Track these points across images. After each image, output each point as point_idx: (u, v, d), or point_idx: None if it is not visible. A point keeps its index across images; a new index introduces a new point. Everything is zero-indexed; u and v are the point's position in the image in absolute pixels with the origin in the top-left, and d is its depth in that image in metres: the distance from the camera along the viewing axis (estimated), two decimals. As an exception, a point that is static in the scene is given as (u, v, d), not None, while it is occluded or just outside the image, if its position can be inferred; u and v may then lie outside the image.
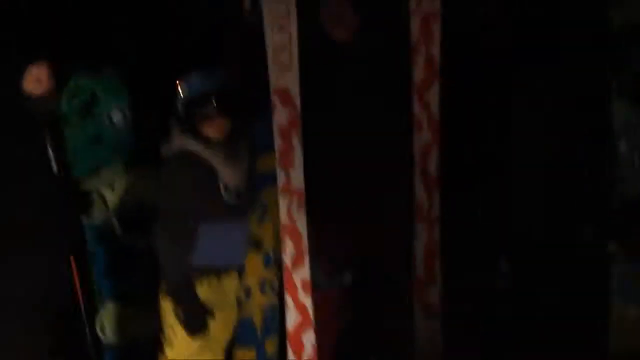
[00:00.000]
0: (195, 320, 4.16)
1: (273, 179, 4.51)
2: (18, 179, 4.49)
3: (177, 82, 4.25)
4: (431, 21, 4.33)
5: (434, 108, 4.39)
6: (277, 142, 4.31)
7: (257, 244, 4.76)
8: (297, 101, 4.29)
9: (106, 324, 5.08)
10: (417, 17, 4.32)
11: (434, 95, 4.38)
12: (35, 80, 4.52)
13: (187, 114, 4.18)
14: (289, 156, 4.34)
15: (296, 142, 4.32)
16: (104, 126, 5.09)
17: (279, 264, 4.63)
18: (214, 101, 4.15)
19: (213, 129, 4.18)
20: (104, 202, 5.02)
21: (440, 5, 4.31)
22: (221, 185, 4.20)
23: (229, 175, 4.21)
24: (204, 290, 4.19)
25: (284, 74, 4.28)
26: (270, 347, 4.93)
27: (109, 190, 5.02)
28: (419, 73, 4.37)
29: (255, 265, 4.75)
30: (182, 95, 4.19)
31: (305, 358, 4.48)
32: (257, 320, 4.87)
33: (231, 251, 4.32)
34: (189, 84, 4.19)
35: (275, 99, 4.29)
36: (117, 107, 5.09)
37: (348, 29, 4.46)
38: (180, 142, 4.17)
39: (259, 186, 4.60)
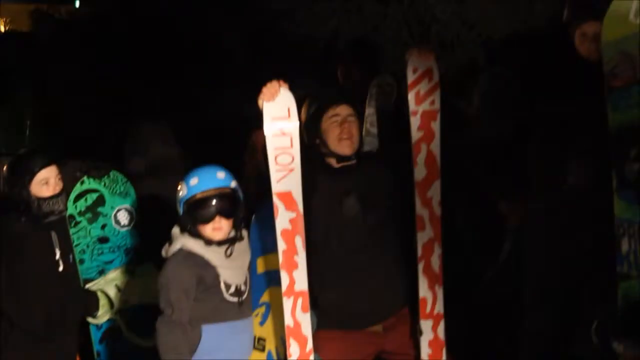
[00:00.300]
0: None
1: (274, 278, 4.48)
2: (27, 278, 4.57)
3: (179, 182, 4.24)
4: (430, 119, 4.30)
5: (436, 205, 4.34)
6: (281, 245, 4.23)
7: (260, 344, 4.70)
8: (300, 204, 4.23)
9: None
10: (416, 116, 4.30)
11: (435, 192, 4.33)
12: (44, 182, 4.64)
13: (187, 214, 4.14)
14: (293, 259, 4.25)
15: (299, 245, 4.24)
16: (109, 227, 5.14)
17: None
18: (213, 203, 4.11)
19: (213, 231, 4.14)
20: (110, 302, 4.96)
21: (439, 104, 4.29)
22: (222, 285, 4.15)
23: (229, 275, 4.17)
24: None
25: (286, 177, 4.22)
26: None
27: (115, 290, 4.98)
28: (420, 171, 4.32)
29: None
30: (182, 195, 4.16)
31: None
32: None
33: (234, 351, 4.22)
34: (189, 184, 4.15)
35: (277, 202, 4.22)
36: (123, 208, 5.15)
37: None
38: (181, 241, 4.15)
39: (260, 285, 4.64)
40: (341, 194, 4.34)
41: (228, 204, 4.13)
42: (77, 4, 12.09)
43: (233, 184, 4.17)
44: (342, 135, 4.30)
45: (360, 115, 4.40)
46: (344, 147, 4.31)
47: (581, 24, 3.95)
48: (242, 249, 4.23)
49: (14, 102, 10.73)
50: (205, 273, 4.10)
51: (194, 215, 4.11)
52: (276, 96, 4.13)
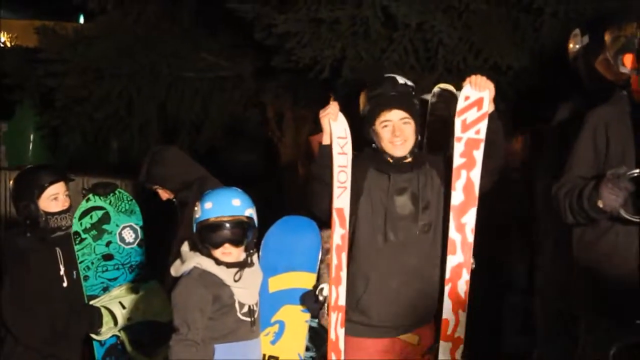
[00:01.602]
0: None
1: (289, 297, 4.68)
2: (31, 294, 4.61)
3: (196, 202, 4.30)
4: (474, 147, 4.35)
5: (469, 232, 4.37)
6: (334, 260, 4.35)
7: None
8: (347, 222, 4.39)
9: None
10: (460, 143, 4.35)
11: (470, 219, 4.37)
12: (54, 198, 4.65)
13: (199, 235, 4.21)
14: (339, 274, 4.38)
15: (344, 261, 4.39)
16: (114, 244, 5.22)
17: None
18: (224, 230, 4.19)
19: (222, 254, 4.23)
20: (114, 318, 5.00)
21: (484, 134, 4.34)
22: (236, 304, 4.22)
23: (243, 294, 4.25)
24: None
25: (342, 194, 4.38)
26: None
27: (119, 307, 5.00)
28: (457, 196, 4.37)
29: None
30: (196, 216, 4.20)
31: None
32: None
33: None
34: (203, 207, 4.20)
35: (335, 218, 4.35)
36: (128, 226, 5.21)
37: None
38: (195, 260, 4.21)
39: (273, 304, 4.70)
40: (394, 191, 4.40)
41: (238, 233, 4.20)
42: (82, 20, 12.14)
43: (247, 212, 4.23)
44: (393, 140, 4.37)
45: (415, 116, 4.42)
46: (397, 150, 4.40)
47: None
48: (253, 271, 4.30)
49: (19, 116, 10.75)
50: (221, 292, 4.17)
51: (205, 238, 4.18)
52: (338, 117, 4.30)
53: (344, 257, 4.38)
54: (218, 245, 4.20)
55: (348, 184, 4.38)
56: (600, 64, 4.09)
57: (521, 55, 5.97)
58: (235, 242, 4.22)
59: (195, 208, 4.26)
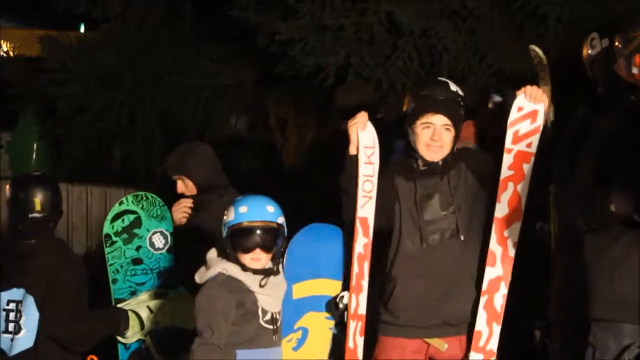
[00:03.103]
0: None
1: (313, 304, 4.62)
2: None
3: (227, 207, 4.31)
4: (524, 160, 4.27)
5: (511, 246, 4.30)
6: (355, 269, 4.37)
7: None
8: (372, 231, 4.38)
9: None
10: (510, 154, 4.27)
11: (513, 233, 4.30)
12: None
13: (229, 239, 4.20)
14: (360, 283, 4.38)
15: (366, 270, 4.39)
16: (144, 249, 5.19)
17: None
18: (256, 235, 4.17)
19: (251, 260, 4.20)
20: (140, 322, 5.00)
21: (536, 147, 4.25)
22: (260, 311, 4.20)
23: (267, 302, 4.23)
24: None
25: (367, 204, 4.37)
26: None
27: (146, 311, 5.02)
28: (502, 209, 4.29)
29: None
30: (228, 219, 4.21)
31: None
32: None
33: None
34: (237, 211, 4.20)
35: (358, 227, 4.36)
36: (158, 231, 5.20)
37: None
38: (221, 265, 4.20)
39: (297, 311, 4.63)
40: (421, 197, 4.38)
41: (270, 239, 4.19)
42: (82, 29, 12.16)
43: (280, 219, 4.22)
44: (431, 144, 4.32)
45: (458, 125, 4.37)
46: (432, 155, 4.35)
47: None
48: (279, 280, 4.29)
49: (22, 126, 10.76)
50: (245, 298, 4.15)
51: (236, 242, 4.17)
52: (366, 126, 4.32)
53: (366, 266, 4.37)
54: (249, 250, 4.17)
55: (373, 194, 4.37)
56: (619, 68, 4.07)
57: (525, 61, 5.95)
58: (266, 248, 4.20)
59: (227, 212, 4.23)
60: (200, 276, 4.26)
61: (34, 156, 10.88)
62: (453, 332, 4.43)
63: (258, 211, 4.20)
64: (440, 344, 4.40)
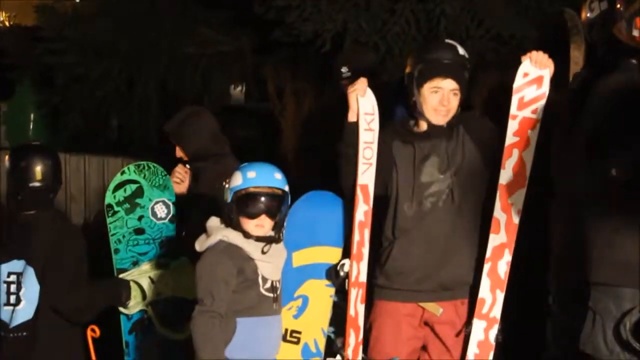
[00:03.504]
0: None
1: (313, 271, 4.66)
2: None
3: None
4: (529, 126, 4.26)
5: (515, 212, 4.31)
6: (356, 236, 4.39)
7: (294, 337, 4.69)
8: (372, 198, 4.40)
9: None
10: (515, 121, 4.27)
11: (518, 200, 4.31)
12: None
13: (234, 204, 4.20)
14: (361, 250, 4.40)
15: (367, 237, 4.40)
16: (146, 218, 5.21)
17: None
18: (263, 201, 4.18)
19: (255, 227, 4.20)
20: (142, 293, 5.02)
21: (541, 113, 4.24)
22: (260, 279, 4.21)
23: (268, 269, 4.24)
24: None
25: (367, 170, 4.39)
26: None
27: (148, 282, 5.04)
28: (506, 175, 4.30)
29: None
30: (235, 184, 4.21)
31: None
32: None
33: (266, 346, 4.29)
34: (245, 176, 4.20)
35: (358, 194, 4.37)
36: (161, 201, 5.20)
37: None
38: (222, 233, 4.19)
39: (297, 278, 4.65)
40: (420, 160, 4.39)
41: (276, 205, 4.22)
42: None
43: (286, 187, 4.25)
44: (439, 108, 4.33)
45: (465, 89, 4.38)
46: (439, 119, 4.36)
47: None
48: (279, 248, 4.30)
49: (19, 96, 10.72)
50: (246, 265, 4.16)
51: (241, 207, 4.18)
52: (366, 93, 4.31)
53: (367, 233, 4.38)
54: (254, 216, 4.19)
55: (374, 160, 4.38)
56: (619, 30, 4.04)
57: (523, 25, 5.94)
58: (272, 215, 4.21)
59: (233, 177, 4.23)
60: (200, 244, 4.26)
61: (31, 126, 10.85)
62: (448, 296, 4.45)
63: (267, 177, 4.21)
64: (434, 309, 4.43)
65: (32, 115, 10.80)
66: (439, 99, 4.33)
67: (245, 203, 4.18)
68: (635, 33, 3.89)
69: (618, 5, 3.94)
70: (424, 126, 4.42)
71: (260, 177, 4.20)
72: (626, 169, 3.59)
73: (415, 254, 4.40)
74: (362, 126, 4.35)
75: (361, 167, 4.36)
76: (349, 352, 4.41)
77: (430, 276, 4.41)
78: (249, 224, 4.19)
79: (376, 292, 4.51)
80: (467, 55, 4.41)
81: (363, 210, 4.38)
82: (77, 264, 4.73)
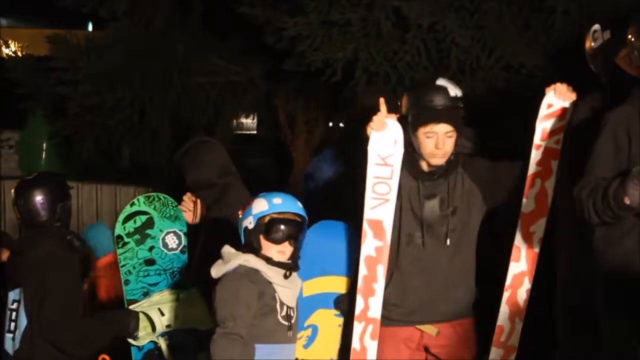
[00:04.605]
0: None
1: (323, 301, 4.66)
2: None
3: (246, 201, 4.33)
4: (552, 157, 4.29)
5: (536, 241, 4.34)
6: (362, 270, 4.35)
7: None
8: (389, 234, 4.35)
9: None
10: (538, 151, 4.29)
11: (539, 229, 4.33)
12: None
13: (258, 229, 4.20)
14: (371, 285, 4.36)
15: (380, 274, 4.35)
16: (157, 249, 5.18)
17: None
18: (289, 227, 4.19)
19: (277, 253, 4.21)
20: (152, 324, 4.97)
21: (561, 143, 4.27)
22: (278, 305, 4.20)
23: (287, 295, 4.23)
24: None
25: (381, 206, 4.34)
26: None
27: (158, 313, 4.99)
28: (528, 204, 4.32)
29: None
30: (259, 210, 4.20)
31: None
32: None
33: None
34: (271, 202, 4.21)
35: (366, 229, 4.34)
36: (172, 232, 5.19)
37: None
38: (242, 258, 4.18)
39: (307, 308, 4.63)
40: (424, 196, 4.40)
41: (299, 232, 4.22)
42: (90, 28, 12.17)
43: (304, 214, 4.25)
44: (435, 152, 4.33)
45: (460, 128, 4.38)
46: (436, 160, 4.36)
47: None
48: (295, 276, 4.28)
49: (32, 125, 10.79)
50: (266, 290, 4.15)
51: (268, 232, 4.18)
52: (385, 128, 4.26)
53: (381, 269, 4.35)
54: (280, 241, 4.19)
55: (391, 197, 4.33)
56: (622, 60, 4.06)
57: (534, 54, 5.96)
58: (295, 240, 4.22)
59: (256, 203, 4.22)
60: (217, 270, 4.22)
61: (43, 155, 10.91)
62: (445, 320, 4.47)
63: (291, 204, 4.23)
64: (431, 330, 4.44)
65: (44, 145, 10.86)
66: (434, 143, 4.33)
67: (271, 228, 4.18)
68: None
69: (630, 36, 3.95)
70: (425, 166, 4.43)
71: (285, 204, 4.21)
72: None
73: (413, 288, 4.42)
74: (373, 160, 4.32)
75: (370, 202, 4.32)
76: (354, 385, 4.39)
77: (426, 311, 4.43)
78: (272, 250, 4.19)
79: None
80: (459, 94, 4.40)
81: (374, 246, 4.34)
82: (68, 295, 4.68)
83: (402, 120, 4.41)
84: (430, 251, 4.39)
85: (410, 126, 4.37)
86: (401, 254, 4.42)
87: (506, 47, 5.99)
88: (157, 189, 5.37)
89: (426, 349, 4.51)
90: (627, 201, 3.58)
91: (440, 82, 4.43)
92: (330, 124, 8.42)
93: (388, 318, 4.44)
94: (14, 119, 10.94)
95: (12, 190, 5.00)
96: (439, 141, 4.32)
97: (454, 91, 4.38)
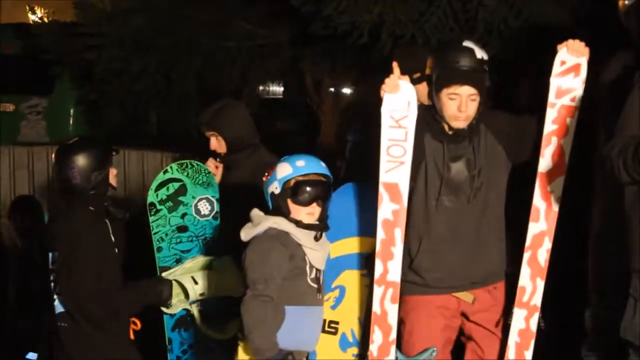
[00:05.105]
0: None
1: (350, 262, 4.66)
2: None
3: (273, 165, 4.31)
4: (568, 114, 4.25)
5: (555, 200, 4.31)
6: (380, 234, 4.32)
7: (332, 327, 4.69)
8: (405, 197, 4.30)
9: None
10: (554, 109, 4.25)
11: (557, 188, 4.30)
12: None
13: (285, 193, 4.20)
14: (389, 249, 4.33)
15: (398, 237, 4.32)
16: (189, 216, 5.17)
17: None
18: (315, 187, 4.19)
19: (306, 215, 4.21)
20: (185, 292, 4.97)
21: (579, 100, 4.23)
22: (307, 267, 4.21)
23: (317, 258, 4.24)
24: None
25: (396, 169, 4.29)
26: None
27: (191, 281, 4.98)
28: (545, 164, 4.29)
29: (331, 350, 4.67)
30: (284, 174, 4.20)
31: None
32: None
33: (310, 335, 4.32)
34: (295, 165, 4.20)
35: (382, 192, 4.29)
36: (204, 198, 5.18)
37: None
38: (272, 220, 4.18)
39: (334, 270, 4.63)
40: (450, 158, 4.38)
41: (326, 192, 4.23)
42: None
43: (329, 174, 4.24)
44: (458, 115, 4.29)
45: (483, 92, 4.33)
46: (458, 123, 4.33)
47: None
48: (324, 238, 4.29)
49: (59, 92, 10.82)
50: (296, 252, 4.16)
51: (293, 195, 4.18)
52: (398, 90, 4.20)
53: (398, 232, 4.31)
54: (308, 203, 4.19)
55: (406, 159, 4.27)
56: None
57: (562, 14, 5.89)
58: (323, 200, 4.23)
59: (280, 168, 4.22)
60: (246, 233, 4.21)
61: (71, 121, 10.95)
62: (479, 286, 4.47)
63: (315, 165, 4.22)
64: (467, 297, 4.43)
65: (71, 111, 10.90)
66: (457, 105, 4.29)
67: (297, 191, 4.18)
68: None
69: None
70: (448, 128, 4.39)
71: (309, 165, 4.20)
72: None
73: (445, 251, 4.40)
74: (386, 123, 4.26)
75: (386, 165, 4.27)
76: (374, 349, 4.37)
77: (460, 273, 4.42)
78: (301, 212, 4.19)
79: (406, 288, 4.47)
80: (485, 57, 4.36)
81: (391, 209, 4.29)
82: (97, 268, 4.55)
83: (427, 80, 4.39)
84: (459, 213, 4.38)
85: (434, 87, 4.35)
86: (430, 219, 4.40)
87: (534, 7, 5.93)
88: (185, 155, 5.36)
89: (465, 316, 4.52)
90: None
91: (467, 43, 4.38)
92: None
93: (423, 285, 4.44)
94: (42, 85, 10.97)
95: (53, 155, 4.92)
96: (462, 103, 4.28)
97: (480, 54, 4.34)
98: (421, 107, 4.38)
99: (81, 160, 4.66)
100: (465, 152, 4.39)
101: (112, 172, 4.80)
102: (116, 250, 4.72)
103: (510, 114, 4.52)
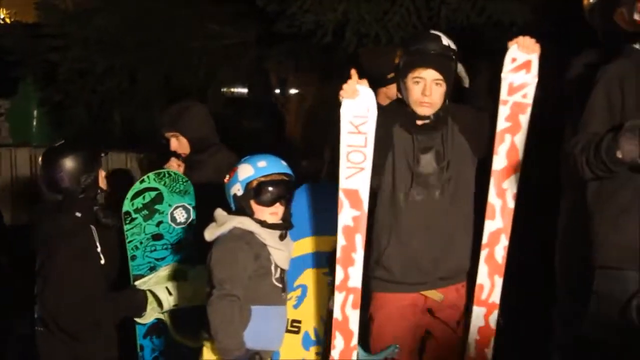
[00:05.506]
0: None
1: (311, 261, 4.76)
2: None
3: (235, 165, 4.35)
4: (520, 111, 4.28)
5: (510, 197, 4.34)
6: (341, 240, 4.30)
7: (294, 326, 4.75)
8: (365, 204, 4.29)
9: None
10: (506, 106, 4.28)
11: (512, 185, 4.33)
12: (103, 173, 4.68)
13: (248, 194, 4.23)
14: (350, 255, 4.31)
15: (359, 243, 4.30)
16: (165, 224, 5.17)
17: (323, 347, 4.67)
18: (277, 188, 4.24)
19: (270, 215, 4.26)
20: (159, 302, 4.96)
21: (532, 98, 4.27)
22: (272, 267, 4.25)
23: (281, 258, 4.29)
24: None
25: (356, 175, 4.28)
26: None
27: (165, 292, 4.98)
28: (499, 161, 4.32)
29: (294, 349, 4.73)
30: (246, 175, 4.23)
31: None
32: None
33: (275, 335, 4.38)
34: (256, 166, 4.22)
35: (342, 198, 4.28)
36: (181, 206, 5.18)
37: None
38: (237, 220, 4.21)
39: (296, 268, 4.69)
40: (419, 150, 4.39)
41: (289, 191, 4.29)
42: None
43: (291, 172, 4.29)
44: (422, 100, 4.31)
45: (449, 79, 4.36)
46: (423, 110, 4.35)
47: None
48: (289, 238, 4.35)
49: (22, 93, 10.73)
50: (261, 252, 4.19)
51: (257, 196, 4.22)
52: (356, 95, 4.16)
53: (359, 238, 4.28)
54: (272, 202, 4.24)
55: (366, 165, 4.25)
56: (620, 16, 4.05)
57: (525, 12, 5.92)
58: (286, 200, 4.28)
59: (241, 169, 4.26)
60: (210, 232, 4.26)
61: (34, 123, 10.85)
62: (449, 283, 4.50)
63: (276, 165, 4.27)
64: (436, 295, 4.46)
65: (35, 112, 10.80)
66: (421, 90, 4.33)
67: (260, 192, 4.22)
68: (636, 17, 3.90)
69: None
70: (417, 119, 4.42)
71: (270, 165, 4.24)
72: (631, 150, 3.59)
73: (414, 246, 4.42)
74: (345, 129, 4.22)
75: (345, 172, 4.24)
76: (335, 354, 4.37)
77: (431, 268, 4.45)
78: (264, 212, 4.24)
79: (374, 284, 4.51)
80: (452, 46, 4.42)
81: (351, 215, 4.27)
82: (75, 281, 4.54)
83: (395, 70, 4.40)
84: (428, 206, 4.40)
85: (400, 73, 4.36)
86: (399, 212, 4.42)
87: (497, 4, 5.96)
88: (149, 155, 5.34)
89: (430, 312, 4.55)
90: (619, 155, 3.58)
91: (434, 32, 4.47)
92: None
93: (392, 281, 4.47)
94: (4, 86, 10.87)
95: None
96: (426, 88, 4.31)
97: (447, 41, 4.38)
98: (392, 101, 4.41)
99: (69, 163, 4.64)
100: (434, 143, 4.41)
101: (102, 174, 4.77)
102: (102, 259, 4.68)
103: (475, 109, 4.55)
